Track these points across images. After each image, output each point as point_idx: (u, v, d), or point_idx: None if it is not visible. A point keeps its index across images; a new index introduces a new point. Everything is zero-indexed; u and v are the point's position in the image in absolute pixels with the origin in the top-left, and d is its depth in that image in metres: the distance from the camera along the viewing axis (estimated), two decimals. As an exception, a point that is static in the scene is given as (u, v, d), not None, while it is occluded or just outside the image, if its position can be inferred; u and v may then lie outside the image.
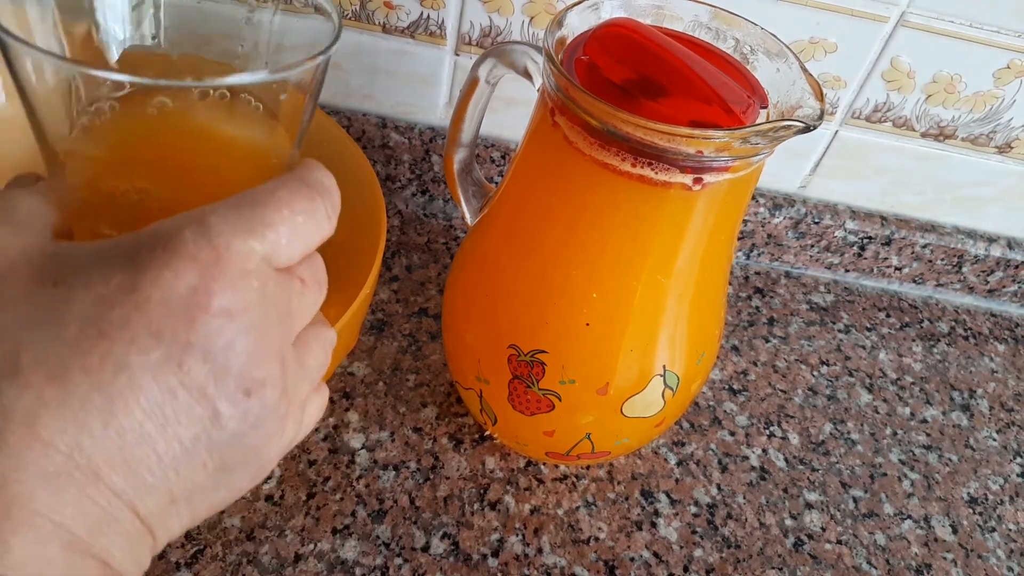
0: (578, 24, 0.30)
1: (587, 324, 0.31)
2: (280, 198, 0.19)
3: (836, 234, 0.56)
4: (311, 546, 0.36)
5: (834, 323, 0.55)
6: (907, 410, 0.50)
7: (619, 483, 0.41)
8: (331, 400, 0.42)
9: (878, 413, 0.49)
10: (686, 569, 0.38)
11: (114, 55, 0.23)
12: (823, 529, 0.41)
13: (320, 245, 0.21)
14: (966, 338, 0.57)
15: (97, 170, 0.21)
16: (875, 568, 0.40)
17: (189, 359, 0.17)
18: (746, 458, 0.44)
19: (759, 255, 0.58)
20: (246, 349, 0.18)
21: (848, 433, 0.47)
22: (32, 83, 0.19)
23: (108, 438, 0.16)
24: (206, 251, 0.17)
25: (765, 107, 0.29)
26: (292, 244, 0.19)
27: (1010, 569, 0.42)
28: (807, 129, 0.26)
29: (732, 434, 0.45)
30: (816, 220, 0.55)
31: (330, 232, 0.20)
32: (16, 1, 0.20)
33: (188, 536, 0.35)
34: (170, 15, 0.24)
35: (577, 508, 0.39)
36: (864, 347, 0.54)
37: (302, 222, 0.19)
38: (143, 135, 0.21)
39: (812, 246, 0.57)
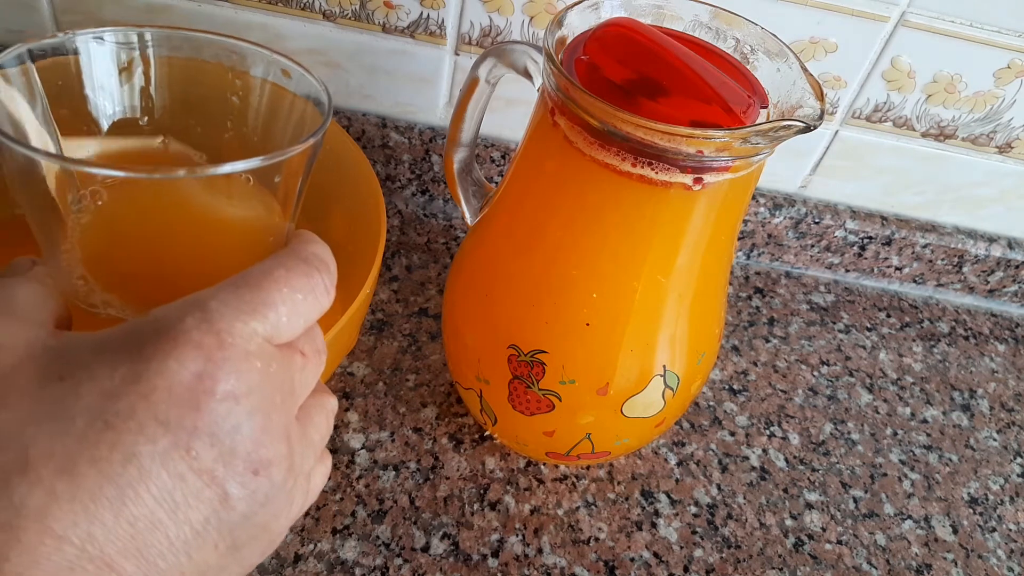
0: (578, 24, 0.30)
1: (587, 324, 0.31)
2: (279, 277, 0.19)
3: (836, 234, 0.56)
4: (311, 546, 0.35)
5: (834, 323, 0.55)
6: (907, 410, 0.50)
7: (619, 483, 0.41)
8: (331, 400, 0.42)
9: (878, 413, 0.49)
10: (686, 569, 0.38)
11: (103, 126, 0.23)
12: (823, 529, 0.41)
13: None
14: (966, 338, 0.57)
15: (95, 254, 0.21)
16: (875, 568, 0.40)
17: (197, 444, 0.17)
18: (746, 458, 0.44)
19: (759, 255, 0.58)
20: (252, 430, 0.18)
21: (848, 433, 0.47)
22: (24, 174, 0.19)
23: (120, 527, 0.16)
24: (209, 337, 0.17)
25: (765, 107, 0.29)
26: (292, 322, 0.19)
27: (1010, 569, 0.42)
28: (807, 129, 0.26)
29: (732, 434, 0.45)
30: (816, 220, 0.55)
31: (328, 305, 0.21)
32: (5, 91, 0.20)
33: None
34: (160, 76, 0.24)
35: (577, 508, 0.39)
36: (864, 347, 0.54)
37: (301, 299, 0.19)
38: (139, 217, 0.21)
39: (812, 246, 0.57)
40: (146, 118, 0.24)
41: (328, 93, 0.22)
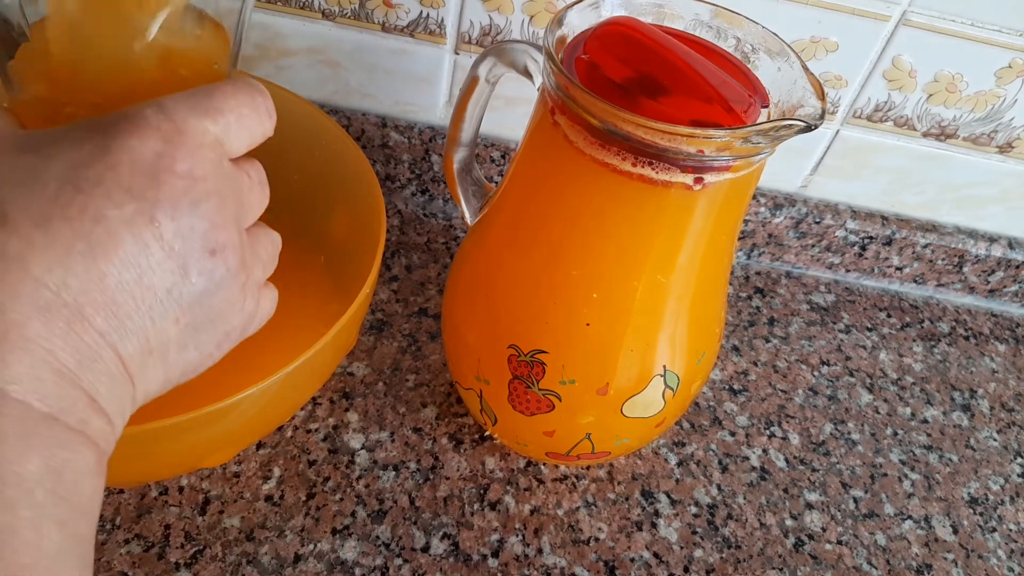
0: (578, 23, 0.30)
1: (587, 324, 0.31)
2: (227, 91, 0.21)
3: (837, 234, 0.56)
4: (311, 546, 0.35)
5: (835, 323, 0.55)
6: (908, 410, 0.50)
7: (619, 483, 0.41)
8: (331, 400, 0.42)
9: (878, 413, 0.49)
10: (686, 569, 0.38)
11: None
12: (823, 529, 0.41)
13: (262, 142, 0.23)
14: (967, 338, 0.57)
15: (47, 86, 0.22)
16: (875, 568, 0.40)
17: (159, 215, 0.19)
18: (746, 458, 0.44)
19: (760, 255, 0.58)
20: (208, 212, 0.20)
21: (848, 433, 0.47)
22: None
23: (91, 281, 0.18)
24: (167, 124, 0.19)
25: (766, 106, 0.29)
26: (239, 133, 0.21)
27: (1010, 569, 0.42)
28: (808, 128, 0.26)
29: (732, 434, 0.45)
30: (817, 220, 0.55)
31: (270, 130, 0.23)
32: None
33: (188, 536, 0.35)
34: None
35: (577, 508, 0.39)
36: (865, 347, 0.53)
37: (247, 113, 0.21)
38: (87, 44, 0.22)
39: (813, 246, 0.57)
40: None
41: None
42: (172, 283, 0.19)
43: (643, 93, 0.27)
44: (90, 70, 0.21)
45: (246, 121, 0.21)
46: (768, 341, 0.52)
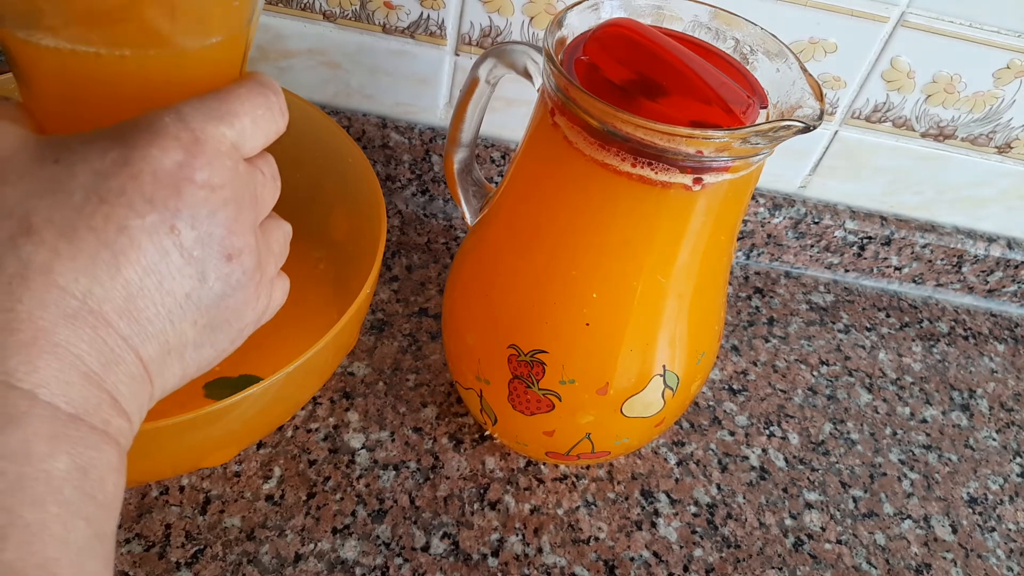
0: (578, 24, 0.30)
1: (587, 324, 0.31)
2: (240, 94, 0.21)
3: (836, 234, 0.56)
4: (311, 546, 0.36)
5: (834, 323, 0.55)
6: (907, 410, 0.50)
7: (619, 483, 0.41)
8: (331, 400, 0.42)
9: (878, 413, 0.49)
10: (686, 569, 0.38)
11: None
12: (823, 529, 0.42)
13: (276, 139, 0.23)
14: (966, 338, 0.57)
15: (64, 88, 0.22)
16: (875, 568, 0.40)
17: (179, 224, 0.19)
18: (746, 458, 0.44)
19: (759, 255, 0.58)
20: (226, 219, 0.20)
21: (848, 433, 0.47)
22: None
23: (115, 288, 0.18)
24: (185, 133, 0.19)
25: (765, 107, 0.29)
26: (255, 134, 0.21)
27: (1010, 569, 0.42)
28: (807, 129, 0.26)
29: (732, 434, 0.45)
30: (816, 220, 0.55)
31: (283, 127, 0.23)
32: None
33: (188, 536, 0.35)
34: None
35: (577, 508, 0.39)
36: (864, 347, 0.54)
37: (261, 114, 0.22)
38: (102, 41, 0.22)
39: (812, 246, 0.57)
40: None
41: None
42: (191, 288, 0.20)
43: (642, 94, 0.28)
44: (106, 72, 0.21)
45: (261, 122, 0.22)
46: (767, 341, 0.52)
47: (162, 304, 0.19)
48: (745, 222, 0.55)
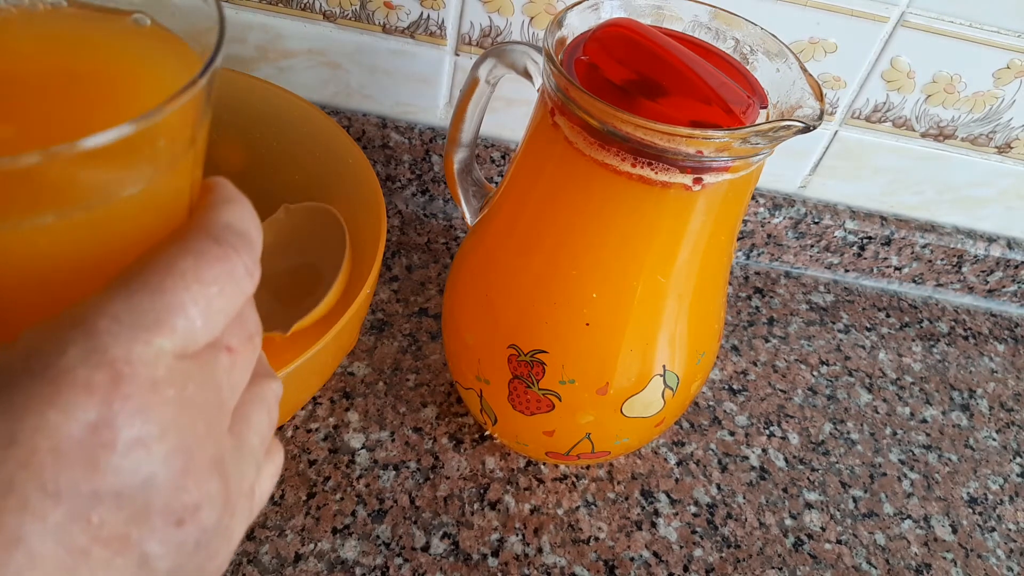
0: (578, 24, 0.30)
1: (587, 324, 0.31)
2: (184, 271, 0.15)
3: (836, 234, 0.56)
4: (311, 546, 0.36)
5: (834, 323, 0.55)
6: (907, 410, 0.50)
7: (619, 483, 0.41)
8: (331, 400, 0.42)
9: (878, 413, 0.49)
10: (686, 569, 0.38)
11: None
12: (823, 529, 0.42)
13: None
14: (966, 338, 0.57)
15: None
16: (875, 568, 0.40)
17: (100, 510, 0.14)
18: (746, 458, 0.44)
19: (759, 255, 0.58)
20: (171, 476, 0.15)
21: (848, 433, 0.47)
22: None
23: None
24: (100, 373, 0.14)
25: (765, 107, 0.29)
26: (209, 323, 0.15)
27: (1010, 569, 0.42)
28: (807, 129, 0.26)
29: (732, 434, 0.45)
30: (816, 220, 0.55)
31: (253, 288, 0.17)
32: None
33: (188, 536, 0.35)
34: None
35: (577, 508, 0.39)
36: (864, 347, 0.54)
37: (217, 292, 0.15)
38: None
39: (812, 246, 0.57)
40: None
41: (221, 16, 0.16)
42: None
43: (642, 94, 0.28)
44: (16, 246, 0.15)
45: (216, 303, 0.15)
46: (767, 341, 0.52)
47: None
48: (745, 222, 0.55)
